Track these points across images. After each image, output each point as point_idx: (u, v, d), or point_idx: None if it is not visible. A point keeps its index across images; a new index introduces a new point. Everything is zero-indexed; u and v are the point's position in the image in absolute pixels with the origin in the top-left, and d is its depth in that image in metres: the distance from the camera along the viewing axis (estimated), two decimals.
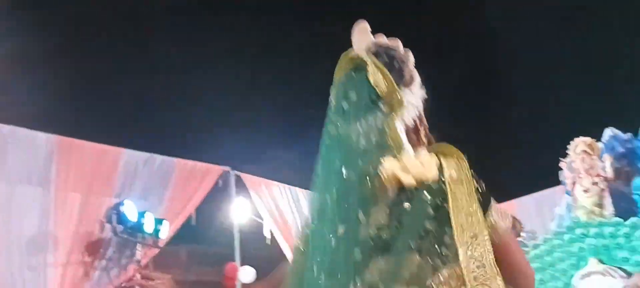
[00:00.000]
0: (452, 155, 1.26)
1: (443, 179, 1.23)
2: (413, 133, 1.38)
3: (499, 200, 1.42)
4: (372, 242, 1.19)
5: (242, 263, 6.94)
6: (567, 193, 5.09)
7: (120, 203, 5.39)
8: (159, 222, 5.63)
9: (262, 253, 7.87)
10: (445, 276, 1.20)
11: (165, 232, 5.70)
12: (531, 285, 1.34)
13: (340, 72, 1.39)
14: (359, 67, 1.36)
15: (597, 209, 4.99)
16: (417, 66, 1.47)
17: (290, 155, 12.51)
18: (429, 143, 1.42)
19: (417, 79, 1.43)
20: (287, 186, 7.25)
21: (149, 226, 5.50)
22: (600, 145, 6.09)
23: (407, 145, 1.31)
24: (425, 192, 1.21)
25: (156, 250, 5.86)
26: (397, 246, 1.18)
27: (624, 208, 5.14)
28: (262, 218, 6.97)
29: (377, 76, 1.32)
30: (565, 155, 5.47)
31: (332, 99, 1.37)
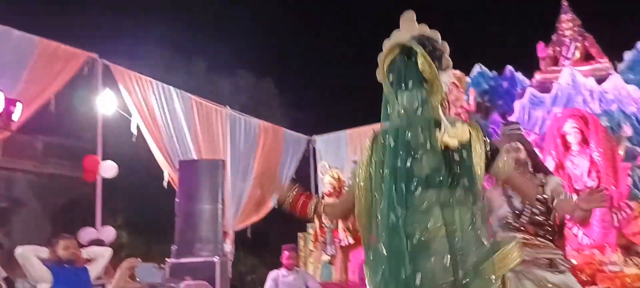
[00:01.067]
0: (473, 128, 1.97)
1: (469, 141, 1.94)
2: (444, 102, 1.96)
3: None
4: (426, 177, 1.85)
5: (104, 158, 6.63)
6: None
7: None
8: (11, 102, 5.16)
9: (127, 150, 7.57)
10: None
11: (18, 115, 5.25)
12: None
13: (392, 53, 1.95)
14: (410, 54, 1.90)
15: None
16: None
17: (164, 52, 11.97)
18: (448, 107, 2.02)
19: (450, 63, 2.00)
20: (159, 83, 6.94)
21: None
22: (467, 79, 6.50)
23: (443, 116, 1.91)
24: (461, 147, 1.90)
25: (7, 134, 5.41)
26: (445, 181, 1.86)
27: None
28: (129, 114, 6.65)
29: (424, 65, 1.88)
30: None
31: (391, 76, 1.94)
